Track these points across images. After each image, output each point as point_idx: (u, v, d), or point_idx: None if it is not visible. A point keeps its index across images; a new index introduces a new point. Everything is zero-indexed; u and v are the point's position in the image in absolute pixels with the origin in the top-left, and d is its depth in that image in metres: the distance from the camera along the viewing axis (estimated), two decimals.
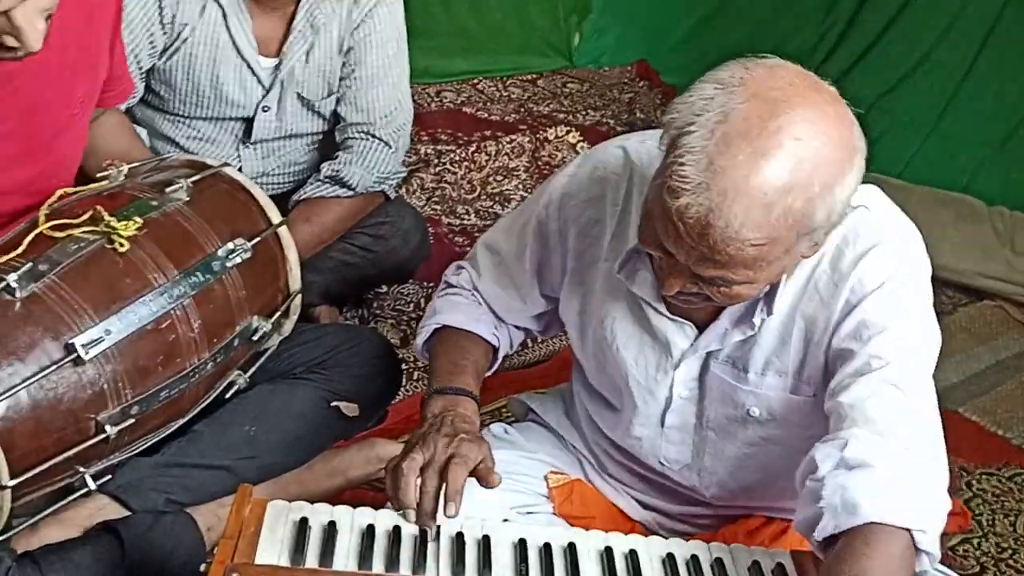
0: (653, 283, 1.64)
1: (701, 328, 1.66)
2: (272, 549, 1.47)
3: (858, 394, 1.50)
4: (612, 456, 1.89)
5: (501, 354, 1.93)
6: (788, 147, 1.35)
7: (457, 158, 3.94)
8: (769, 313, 1.58)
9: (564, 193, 1.78)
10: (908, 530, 1.42)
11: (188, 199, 1.93)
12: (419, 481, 1.55)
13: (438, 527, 1.53)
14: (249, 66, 2.66)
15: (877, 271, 1.55)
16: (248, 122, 2.77)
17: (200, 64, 2.63)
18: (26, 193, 1.93)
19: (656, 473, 1.84)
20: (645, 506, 1.90)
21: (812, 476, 1.48)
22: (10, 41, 1.64)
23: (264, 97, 2.71)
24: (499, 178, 3.90)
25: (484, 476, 1.58)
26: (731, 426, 1.70)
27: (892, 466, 1.44)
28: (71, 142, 2.04)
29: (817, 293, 1.58)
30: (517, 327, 1.94)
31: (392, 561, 1.48)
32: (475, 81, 4.74)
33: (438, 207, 3.68)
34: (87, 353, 1.69)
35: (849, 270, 1.56)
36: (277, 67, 2.68)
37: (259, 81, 2.68)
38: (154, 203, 1.89)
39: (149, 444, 1.90)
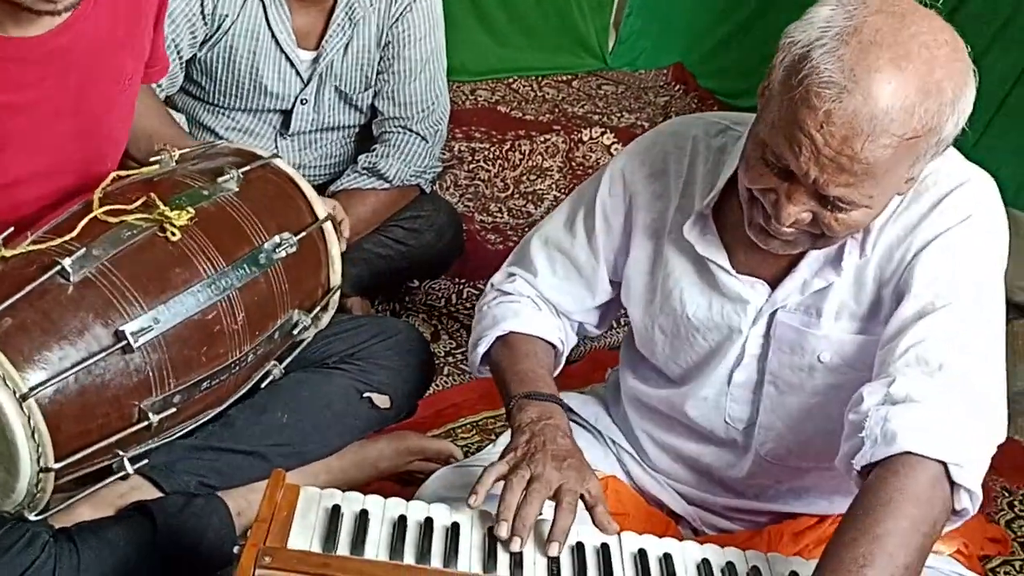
0: (720, 246, 1.69)
1: (772, 284, 1.68)
2: (304, 535, 1.46)
3: (915, 337, 1.52)
4: (661, 444, 1.89)
5: (562, 361, 1.94)
6: (923, 54, 1.40)
7: (491, 156, 3.94)
8: (862, 255, 1.60)
9: (626, 171, 1.81)
10: (943, 463, 1.42)
11: (238, 190, 1.93)
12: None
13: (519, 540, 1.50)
14: (288, 59, 2.67)
15: (962, 207, 1.57)
16: (286, 114, 2.78)
17: (240, 56, 2.65)
18: (78, 173, 1.94)
19: (704, 461, 1.84)
20: (689, 500, 1.90)
21: (856, 410, 1.50)
22: None
23: (302, 90, 2.72)
24: (532, 177, 3.89)
25: (599, 521, 1.57)
26: (796, 376, 1.70)
27: (937, 403, 1.46)
28: (120, 120, 2.04)
29: (896, 231, 1.59)
30: (575, 325, 1.94)
31: (423, 553, 1.47)
32: (510, 80, 4.74)
33: (471, 204, 3.67)
34: (136, 341, 1.69)
35: (933, 206, 1.58)
36: (316, 60, 2.69)
37: (298, 74, 2.70)
38: (205, 192, 1.89)
39: (186, 431, 1.90)
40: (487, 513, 1.55)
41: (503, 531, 1.49)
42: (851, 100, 1.39)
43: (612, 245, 1.85)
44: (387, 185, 2.79)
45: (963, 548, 1.77)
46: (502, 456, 1.61)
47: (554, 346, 1.89)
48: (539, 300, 1.90)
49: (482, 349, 1.88)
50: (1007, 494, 2.58)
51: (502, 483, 1.55)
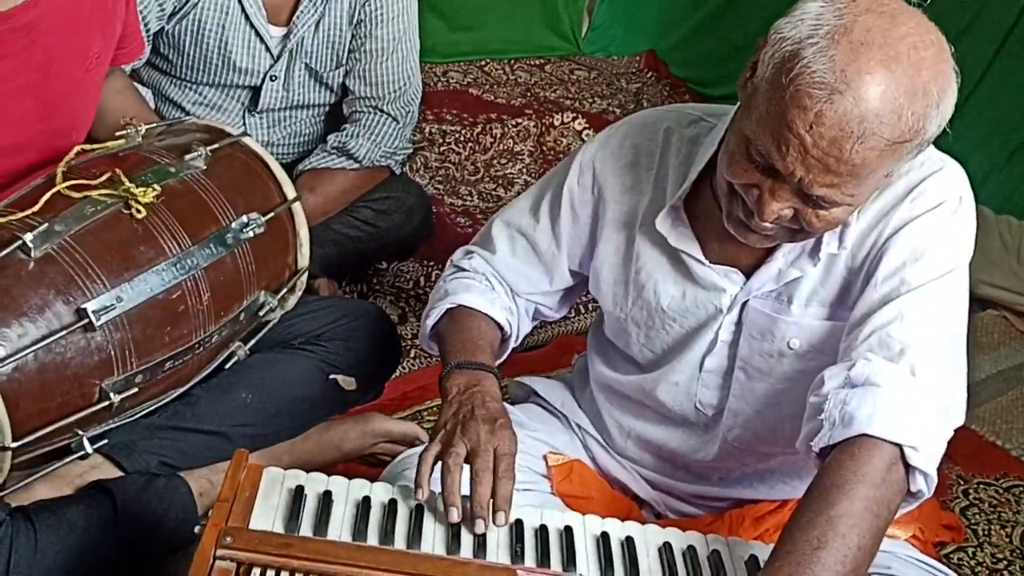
0: (693, 237, 1.69)
1: (746, 273, 1.69)
2: (266, 515, 1.45)
3: (879, 321, 1.53)
4: (627, 430, 1.89)
5: (510, 345, 1.93)
6: (911, 56, 1.40)
7: (462, 138, 3.94)
8: (841, 246, 1.61)
9: (596, 162, 1.80)
10: (899, 446, 1.44)
11: (205, 168, 1.91)
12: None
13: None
14: (258, 34, 2.65)
15: (933, 194, 1.58)
16: (255, 91, 2.76)
17: (208, 30, 2.62)
18: (41, 150, 1.91)
19: (670, 447, 1.84)
20: (653, 486, 1.91)
21: (817, 392, 1.52)
22: None
23: (272, 66, 2.70)
24: (503, 161, 3.88)
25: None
26: (765, 362, 1.71)
27: (896, 387, 1.47)
28: (85, 100, 2.02)
29: (867, 219, 1.60)
30: (530, 309, 1.94)
31: (387, 534, 1.46)
32: (482, 63, 4.74)
33: (441, 187, 3.66)
34: (98, 320, 1.67)
35: (905, 193, 1.58)
36: (286, 36, 2.67)
37: (268, 50, 2.67)
38: (172, 169, 1.87)
39: (148, 411, 1.89)
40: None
41: (453, 516, 1.49)
42: (842, 102, 1.38)
43: (576, 235, 1.84)
44: (356, 165, 2.77)
45: (918, 533, 1.79)
46: (433, 436, 1.60)
47: (501, 327, 1.88)
48: (493, 279, 1.89)
49: (430, 322, 1.88)
50: (962, 482, 2.62)
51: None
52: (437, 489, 1.54)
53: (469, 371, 1.70)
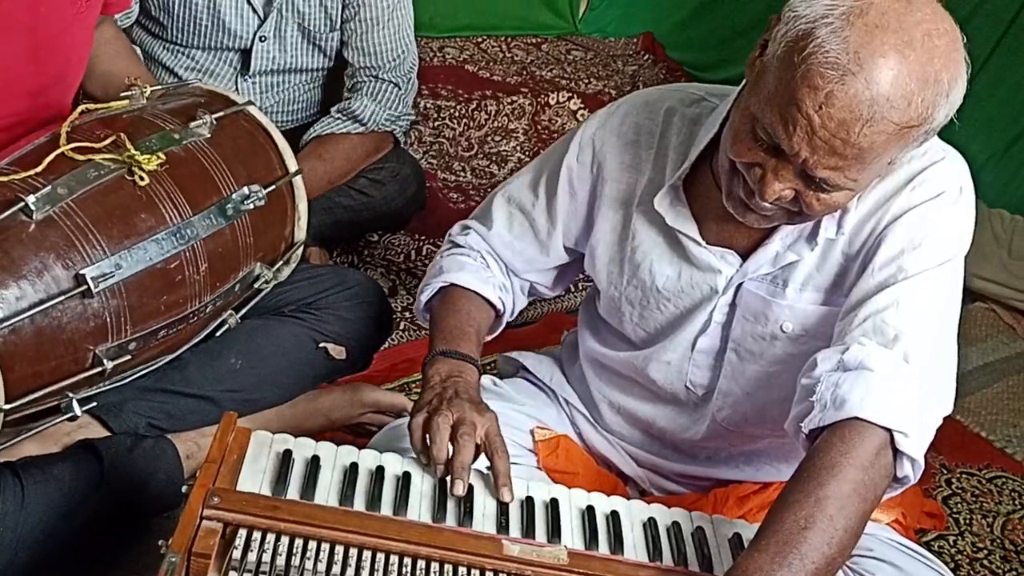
0: (690, 217, 1.69)
1: (743, 255, 1.69)
2: (254, 478, 1.45)
3: (874, 306, 1.54)
4: (616, 406, 1.90)
5: (504, 320, 1.93)
6: (925, 43, 1.39)
7: (457, 114, 3.93)
8: (839, 232, 1.61)
9: (596, 140, 1.80)
10: (889, 431, 1.45)
11: (209, 136, 1.90)
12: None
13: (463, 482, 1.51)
14: None
15: (934, 183, 1.58)
16: (246, 54, 2.75)
17: None
18: (30, 96, 1.90)
19: (659, 425, 1.85)
20: (639, 463, 1.91)
21: (809, 375, 1.52)
22: None
23: (260, 26, 2.69)
24: (497, 138, 3.88)
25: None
26: (757, 344, 1.71)
27: (889, 372, 1.48)
28: (76, 43, 1.99)
29: (867, 205, 1.60)
30: (525, 286, 1.94)
31: (374, 500, 1.47)
32: (479, 39, 4.72)
33: (434, 161, 3.66)
34: (96, 286, 1.66)
35: (906, 182, 1.58)
36: None
37: (254, 10, 2.68)
38: (176, 136, 1.86)
39: (138, 376, 1.88)
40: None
41: (440, 472, 1.51)
42: (853, 83, 1.37)
43: (573, 211, 1.84)
44: (362, 128, 2.78)
45: (900, 519, 1.80)
46: (414, 412, 1.60)
47: (494, 305, 1.88)
48: (489, 256, 1.89)
49: (424, 298, 1.88)
50: (945, 471, 2.63)
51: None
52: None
53: (452, 360, 1.70)
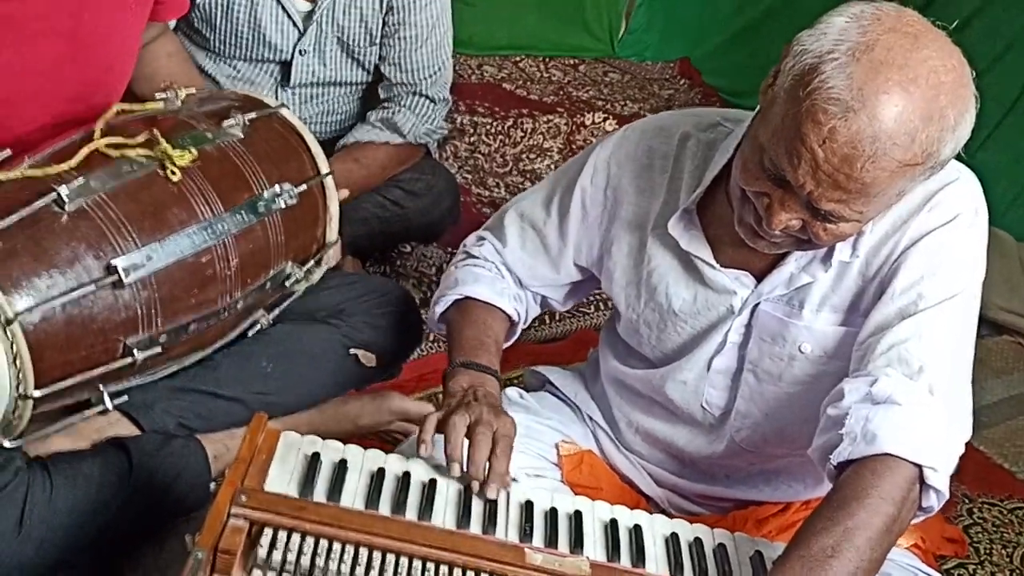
0: (704, 241, 1.70)
1: (758, 277, 1.69)
2: (282, 479, 1.47)
3: (897, 336, 1.54)
4: (636, 425, 1.90)
5: (519, 329, 1.95)
6: (930, 79, 1.39)
7: (493, 131, 3.96)
8: (853, 254, 1.61)
9: (611, 164, 1.81)
10: (919, 466, 1.46)
11: (242, 136, 1.92)
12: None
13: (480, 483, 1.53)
14: (284, 8, 2.68)
15: (950, 206, 1.58)
16: (286, 66, 2.79)
17: (238, 5, 2.66)
18: (76, 100, 1.91)
19: (677, 444, 1.85)
20: (659, 483, 1.92)
21: (836, 405, 1.52)
22: None
23: (299, 40, 2.72)
24: (532, 156, 3.90)
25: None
26: (775, 365, 1.72)
27: (916, 407, 1.49)
28: (120, 50, 2.01)
29: (884, 227, 1.61)
30: (538, 297, 1.95)
31: (399, 505, 1.48)
32: (517, 58, 4.75)
33: (469, 176, 3.69)
34: (127, 276, 1.68)
35: (922, 204, 1.58)
36: (312, 11, 2.69)
37: (294, 24, 2.71)
38: (209, 135, 1.88)
39: (168, 372, 1.90)
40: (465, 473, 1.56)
41: (455, 470, 1.52)
42: (856, 120, 1.38)
43: (584, 232, 1.85)
44: (400, 140, 2.81)
45: (920, 543, 1.80)
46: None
47: (509, 316, 1.90)
48: (503, 267, 1.91)
49: (439, 309, 1.90)
50: (967, 501, 2.63)
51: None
52: (440, 458, 1.56)
53: (473, 372, 1.72)
